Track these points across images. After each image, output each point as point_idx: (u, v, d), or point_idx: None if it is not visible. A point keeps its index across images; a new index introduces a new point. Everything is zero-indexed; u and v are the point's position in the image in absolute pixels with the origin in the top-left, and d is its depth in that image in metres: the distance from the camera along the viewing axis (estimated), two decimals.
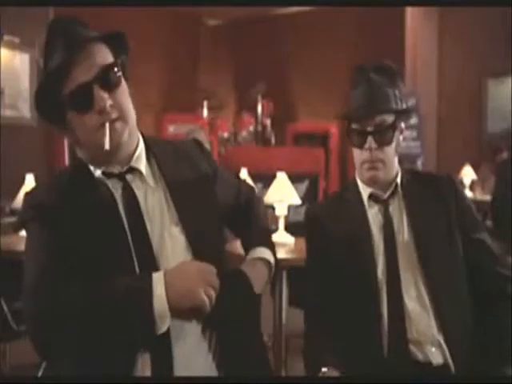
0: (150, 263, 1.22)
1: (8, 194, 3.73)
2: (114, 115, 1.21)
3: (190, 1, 6.71)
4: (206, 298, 1.13)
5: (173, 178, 1.32)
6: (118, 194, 1.26)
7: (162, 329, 1.12)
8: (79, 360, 1.17)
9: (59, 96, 1.21)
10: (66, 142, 6.15)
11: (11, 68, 5.66)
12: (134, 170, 1.29)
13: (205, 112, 8.02)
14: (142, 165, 1.30)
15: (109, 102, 1.19)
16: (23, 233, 2.98)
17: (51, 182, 1.35)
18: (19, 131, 5.72)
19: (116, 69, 1.24)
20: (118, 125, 1.21)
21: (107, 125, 1.19)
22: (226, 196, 1.45)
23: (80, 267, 1.18)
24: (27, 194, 1.29)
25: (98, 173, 1.27)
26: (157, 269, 1.20)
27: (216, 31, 8.95)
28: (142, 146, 1.32)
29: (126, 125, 1.23)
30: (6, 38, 5.53)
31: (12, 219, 4.59)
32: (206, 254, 1.26)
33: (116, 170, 1.27)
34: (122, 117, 1.22)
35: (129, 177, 1.28)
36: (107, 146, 1.19)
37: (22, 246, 2.62)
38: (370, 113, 1.52)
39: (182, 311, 1.13)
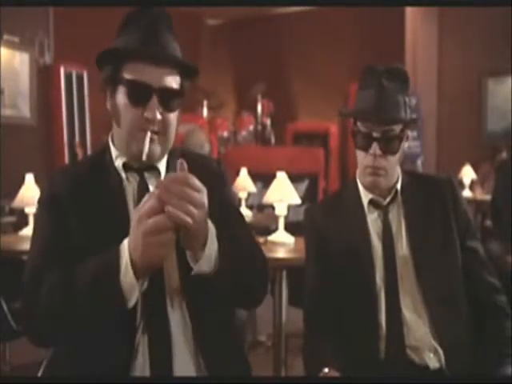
0: None
1: (8, 193, 3.73)
2: (157, 128, 1.22)
3: (190, 1, 6.70)
4: (162, 253, 1.04)
5: None
6: (131, 188, 1.27)
7: (131, 301, 1.08)
8: (74, 349, 1.17)
9: (117, 71, 1.22)
10: (65, 142, 6.16)
11: (11, 68, 5.66)
12: (152, 168, 1.29)
13: (205, 111, 8.02)
14: (161, 164, 1.31)
15: (158, 117, 1.20)
16: (23, 232, 2.99)
17: (73, 165, 1.36)
18: (19, 131, 5.72)
19: (179, 98, 1.25)
20: (157, 140, 1.23)
21: (149, 134, 1.20)
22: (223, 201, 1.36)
23: (77, 255, 1.17)
24: (52, 176, 1.31)
25: (118, 162, 1.29)
26: (161, 270, 1.20)
27: (216, 31, 8.95)
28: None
29: (165, 144, 1.25)
30: (5, 37, 5.53)
31: (12, 219, 4.59)
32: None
33: (136, 164, 1.28)
34: (164, 134, 1.24)
35: (146, 174, 1.29)
36: (144, 158, 1.20)
37: (22, 246, 2.64)
38: (379, 120, 1.49)
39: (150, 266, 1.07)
